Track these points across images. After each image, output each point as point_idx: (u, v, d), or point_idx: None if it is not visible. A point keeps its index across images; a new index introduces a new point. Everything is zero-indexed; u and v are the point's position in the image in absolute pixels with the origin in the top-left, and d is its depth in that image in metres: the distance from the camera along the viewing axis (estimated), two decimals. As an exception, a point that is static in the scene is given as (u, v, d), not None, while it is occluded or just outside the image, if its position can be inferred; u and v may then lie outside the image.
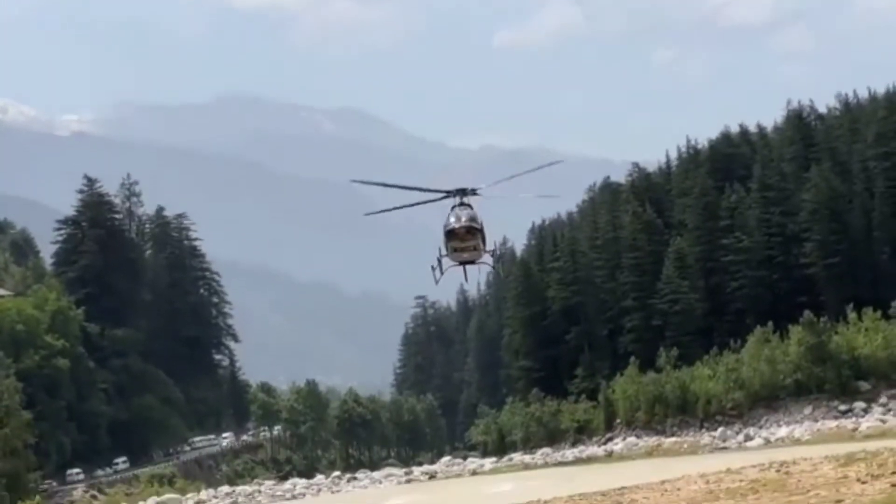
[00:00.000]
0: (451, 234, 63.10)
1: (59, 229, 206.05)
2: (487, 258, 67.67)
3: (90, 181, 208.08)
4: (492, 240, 69.99)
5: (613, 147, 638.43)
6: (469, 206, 63.63)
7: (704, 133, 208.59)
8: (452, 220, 62.53)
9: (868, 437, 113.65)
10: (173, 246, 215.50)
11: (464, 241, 61.88)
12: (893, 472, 37.70)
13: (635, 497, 44.66)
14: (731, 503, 37.40)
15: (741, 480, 43.69)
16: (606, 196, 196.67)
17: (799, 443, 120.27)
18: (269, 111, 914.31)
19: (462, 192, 64.33)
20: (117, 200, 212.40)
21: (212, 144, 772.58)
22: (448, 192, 64.94)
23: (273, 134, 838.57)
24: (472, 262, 68.02)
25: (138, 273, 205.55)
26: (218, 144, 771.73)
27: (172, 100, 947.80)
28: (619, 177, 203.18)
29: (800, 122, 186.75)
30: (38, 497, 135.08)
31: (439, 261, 70.58)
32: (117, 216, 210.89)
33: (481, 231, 62.45)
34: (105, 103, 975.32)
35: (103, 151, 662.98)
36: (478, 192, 70.52)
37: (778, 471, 44.32)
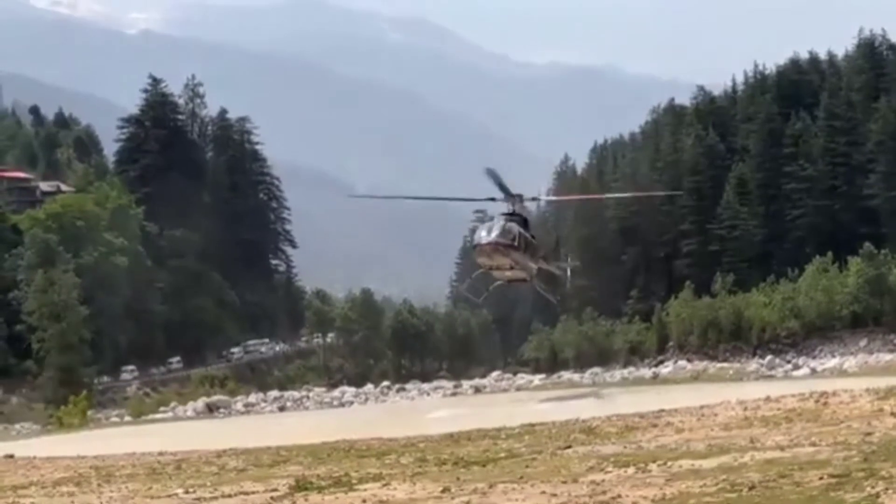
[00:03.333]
0: (476, 250, 57.24)
1: (123, 128, 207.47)
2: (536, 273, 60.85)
3: (155, 81, 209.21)
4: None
5: (681, 68, 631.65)
6: (518, 216, 57.31)
7: (773, 58, 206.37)
8: (483, 233, 56.65)
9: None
10: (234, 149, 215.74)
11: (490, 258, 56.25)
12: (928, 407, 37.58)
13: (672, 420, 44.59)
14: (763, 430, 37.29)
15: (778, 409, 43.58)
16: (670, 118, 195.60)
17: (845, 374, 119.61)
18: (337, 16, 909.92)
19: (516, 197, 57.56)
20: (181, 101, 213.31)
21: (278, 47, 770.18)
22: (497, 198, 58.83)
23: (339, 39, 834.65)
24: (523, 281, 61.97)
25: (199, 174, 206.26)
26: (284, 48, 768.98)
27: (240, 1, 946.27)
28: (685, 99, 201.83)
29: (871, 51, 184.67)
30: (85, 392, 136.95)
31: (471, 278, 64.26)
32: (180, 117, 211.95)
33: (518, 247, 56.02)
34: (173, 3, 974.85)
35: (170, 51, 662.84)
36: (535, 199, 65.06)
37: (817, 401, 44.17)
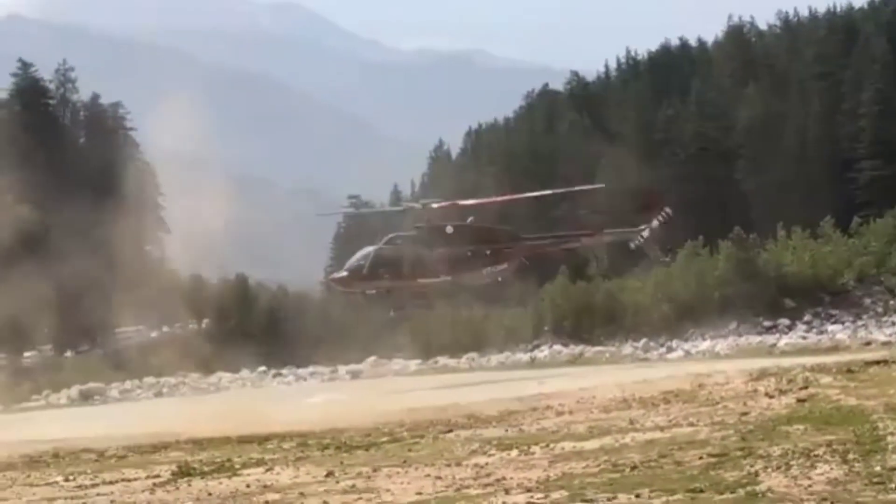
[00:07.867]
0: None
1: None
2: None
3: (25, 65, 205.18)
4: None
5: (554, 54, 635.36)
6: (421, 228, 55.95)
7: (644, 44, 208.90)
8: (348, 262, 55.62)
9: (785, 353, 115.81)
10: (108, 134, 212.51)
11: (348, 287, 56.12)
12: (801, 388, 38.58)
13: (551, 403, 45.23)
14: (641, 412, 37.98)
15: (656, 391, 44.35)
16: (544, 103, 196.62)
17: (718, 357, 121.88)
18: (207, 2, 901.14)
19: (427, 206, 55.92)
20: (52, 86, 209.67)
21: (150, 34, 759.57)
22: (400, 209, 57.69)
23: (211, 26, 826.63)
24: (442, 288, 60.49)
25: (73, 160, 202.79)
26: (156, 35, 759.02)
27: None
28: (558, 85, 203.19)
29: (740, 37, 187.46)
30: None
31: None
32: (51, 102, 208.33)
33: (377, 276, 54.82)
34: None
35: (39, 35, 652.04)
36: (454, 204, 63.37)
37: (692, 383, 45.01)
